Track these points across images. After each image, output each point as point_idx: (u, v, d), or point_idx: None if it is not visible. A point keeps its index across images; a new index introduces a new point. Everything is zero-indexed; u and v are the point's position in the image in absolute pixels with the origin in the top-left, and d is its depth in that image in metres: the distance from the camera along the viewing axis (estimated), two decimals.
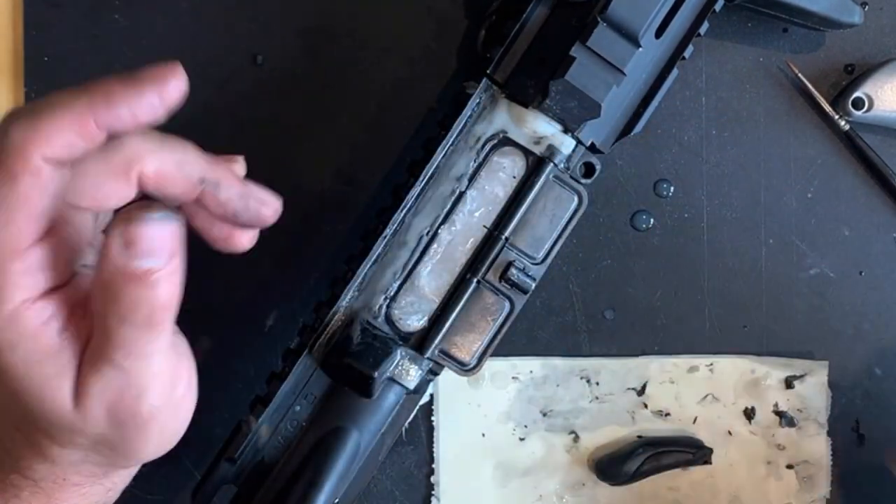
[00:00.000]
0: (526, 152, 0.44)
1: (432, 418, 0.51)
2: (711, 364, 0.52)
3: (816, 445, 0.53)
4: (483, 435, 0.52)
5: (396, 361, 0.44)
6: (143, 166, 0.35)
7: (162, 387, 0.36)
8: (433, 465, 0.51)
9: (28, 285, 0.34)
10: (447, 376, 0.51)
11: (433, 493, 0.51)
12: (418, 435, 0.51)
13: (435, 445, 0.51)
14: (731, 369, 0.52)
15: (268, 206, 0.38)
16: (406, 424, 0.48)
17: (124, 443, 0.37)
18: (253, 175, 0.50)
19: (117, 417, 0.36)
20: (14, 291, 0.33)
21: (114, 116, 0.33)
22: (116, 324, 0.34)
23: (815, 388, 0.53)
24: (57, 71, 0.50)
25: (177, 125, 0.50)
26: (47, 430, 0.36)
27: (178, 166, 0.36)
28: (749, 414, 0.53)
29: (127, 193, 0.36)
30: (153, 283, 0.34)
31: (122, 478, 0.41)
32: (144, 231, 0.33)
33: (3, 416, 0.37)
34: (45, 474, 0.37)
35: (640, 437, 0.52)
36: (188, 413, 0.39)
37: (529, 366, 0.52)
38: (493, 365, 0.51)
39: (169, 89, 0.34)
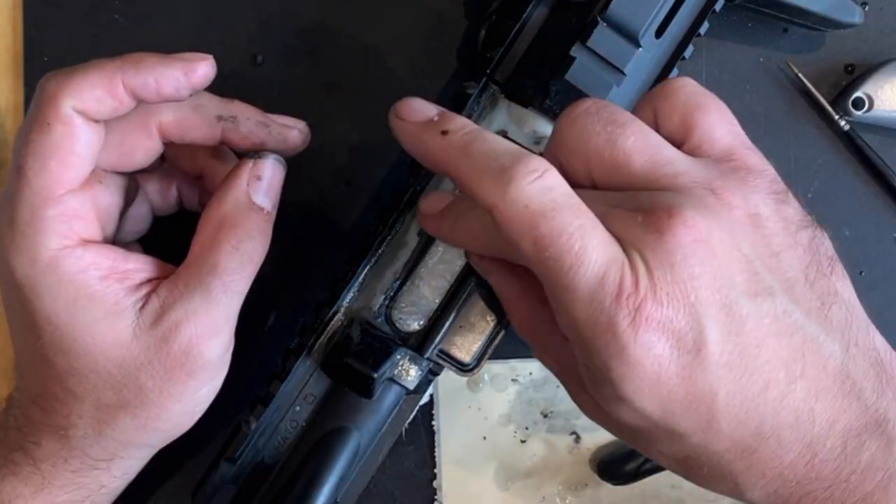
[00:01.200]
0: None
1: (433, 423, 0.51)
2: None
3: None
4: (484, 438, 0.52)
5: (396, 361, 0.44)
6: (160, 116, 0.38)
7: (227, 340, 0.39)
8: (435, 470, 0.51)
9: (63, 232, 0.36)
10: (447, 381, 0.50)
11: (436, 497, 0.51)
12: (418, 435, 0.51)
13: (436, 450, 0.51)
14: None
15: (292, 128, 0.41)
16: (406, 424, 0.48)
17: (162, 389, 0.37)
18: None
19: (177, 351, 0.37)
20: (50, 237, 0.35)
21: (140, 82, 0.36)
22: (226, 251, 0.37)
23: None
24: None
25: None
26: (78, 382, 0.37)
27: (194, 109, 0.39)
28: None
29: (150, 145, 0.39)
30: (267, 218, 0.38)
31: (121, 471, 0.40)
32: (268, 168, 0.38)
33: (27, 385, 0.38)
34: (50, 453, 0.38)
35: None
36: (211, 395, 0.40)
37: (529, 367, 0.52)
38: (492, 368, 0.51)
39: (196, 72, 0.37)
